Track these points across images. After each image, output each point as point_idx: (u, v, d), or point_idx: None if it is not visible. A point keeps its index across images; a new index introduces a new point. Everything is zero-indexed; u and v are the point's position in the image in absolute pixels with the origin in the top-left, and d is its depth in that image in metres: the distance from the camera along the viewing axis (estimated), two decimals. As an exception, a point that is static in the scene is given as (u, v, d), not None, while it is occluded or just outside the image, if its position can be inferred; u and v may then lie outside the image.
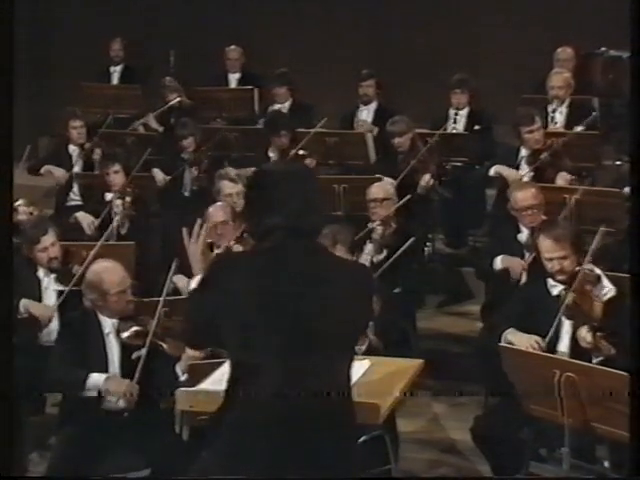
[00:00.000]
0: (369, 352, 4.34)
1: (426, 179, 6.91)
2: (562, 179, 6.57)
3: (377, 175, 6.78)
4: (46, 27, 10.38)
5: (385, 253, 5.81)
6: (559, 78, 7.65)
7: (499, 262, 5.69)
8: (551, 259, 4.67)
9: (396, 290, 5.72)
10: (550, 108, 7.62)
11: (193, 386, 3.72)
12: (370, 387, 3.55)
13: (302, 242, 2.84)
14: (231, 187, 6.09)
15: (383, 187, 6.16)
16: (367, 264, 5.50)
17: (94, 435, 4.31)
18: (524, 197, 5.72)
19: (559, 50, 8.25)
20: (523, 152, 6.84)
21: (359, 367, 3.67)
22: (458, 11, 9.61)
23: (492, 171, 6.85)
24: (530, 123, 6.75)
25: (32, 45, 9.66)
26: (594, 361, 4.35)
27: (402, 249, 5.61)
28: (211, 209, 5.60)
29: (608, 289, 4.57)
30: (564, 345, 4.57)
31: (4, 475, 2.88)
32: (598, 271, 4.62)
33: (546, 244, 4.69)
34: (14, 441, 3.27)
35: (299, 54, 9.76)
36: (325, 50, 9.90)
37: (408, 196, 6.21)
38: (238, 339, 2.79)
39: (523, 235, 5.72)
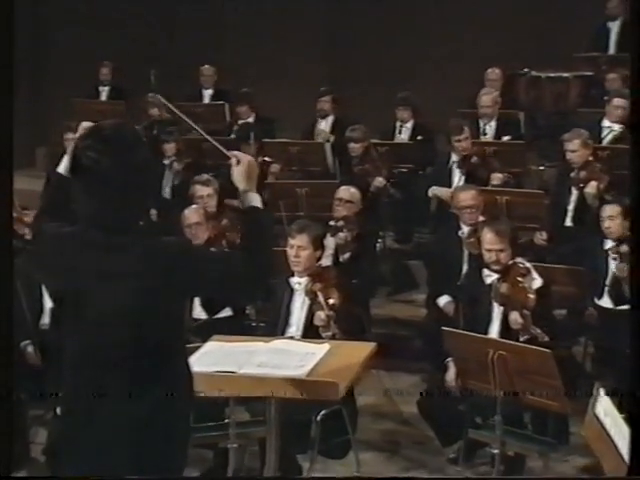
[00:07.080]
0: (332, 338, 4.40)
1: (379, 180, 7.02)
2: (496, 179, 6.68)
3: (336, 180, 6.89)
4: (44, 47, 10.37)
5: (349, 253, 5.84)
6: (488, 98, 7.65)
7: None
8: (490, 250, 4.73)
9: (353, 281, 5.80)
10: (481, 122, 7.66)
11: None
12: (329, 368, 3.56)
13: None
14: (203, 190, 6.07)
15: (349, 190, 6.12)
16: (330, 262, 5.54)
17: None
18: (465, 197, 5.77)
19: (489, 70, 8.27)
20: (454, 157, 6.95)
21: (320, 350, 3.70)
22: (406, 34, 9.71)
23: (430, 192, 6.86)
24: (459, 133, 6.83)
25: (32, 61, 9.70)
26: (521, 339, 4.47)
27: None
28: (186, 211, 5.58)
29: (536, 280, 4.66)
30: (495, 327, 4.69)
31: (4, 475, 2.68)
32: (528, 264, 4.72)
33: (489, 236, 4.75)
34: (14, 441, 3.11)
35: (265, 72, 9.83)
36: (288, 69, 9.98)
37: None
38: None
39: (463, 232, 5.79)
